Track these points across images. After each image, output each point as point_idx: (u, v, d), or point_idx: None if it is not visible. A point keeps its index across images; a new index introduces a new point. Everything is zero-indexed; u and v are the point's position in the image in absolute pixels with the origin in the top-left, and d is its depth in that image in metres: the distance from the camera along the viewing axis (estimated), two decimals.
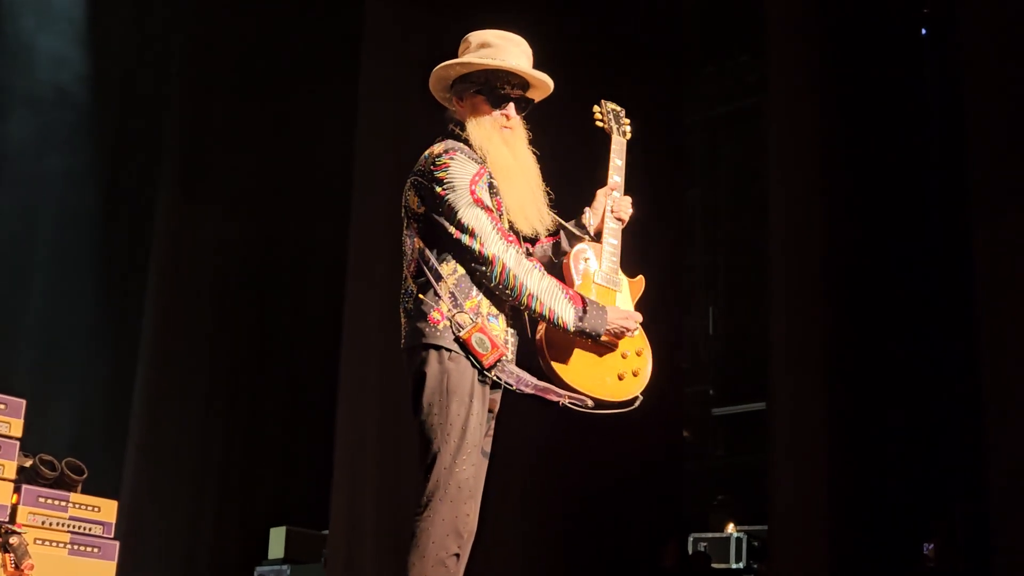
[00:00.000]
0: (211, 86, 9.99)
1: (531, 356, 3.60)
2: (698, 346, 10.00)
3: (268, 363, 9.91)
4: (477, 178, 3.49)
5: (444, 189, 3.48)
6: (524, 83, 3.68)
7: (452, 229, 3.47)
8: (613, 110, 4.03)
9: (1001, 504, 5.78)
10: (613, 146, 3.96)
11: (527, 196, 3.61)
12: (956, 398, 6.75)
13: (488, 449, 3.59)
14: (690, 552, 8.90)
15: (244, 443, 9.60)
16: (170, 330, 9.62)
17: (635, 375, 3.67)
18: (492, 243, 3.45)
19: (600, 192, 3.89)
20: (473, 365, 3.45)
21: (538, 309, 3.47)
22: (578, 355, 3.61)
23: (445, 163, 3.51)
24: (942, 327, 6.91)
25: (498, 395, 3.59)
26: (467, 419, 3.41)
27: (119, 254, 10.30)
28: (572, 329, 3.49)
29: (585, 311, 3.49)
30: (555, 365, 3.56)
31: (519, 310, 3.56)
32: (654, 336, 3.74)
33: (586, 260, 3.78)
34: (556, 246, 3.85)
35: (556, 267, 3.79)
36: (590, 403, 3.55)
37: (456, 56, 3.69)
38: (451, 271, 3.50)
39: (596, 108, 4.01)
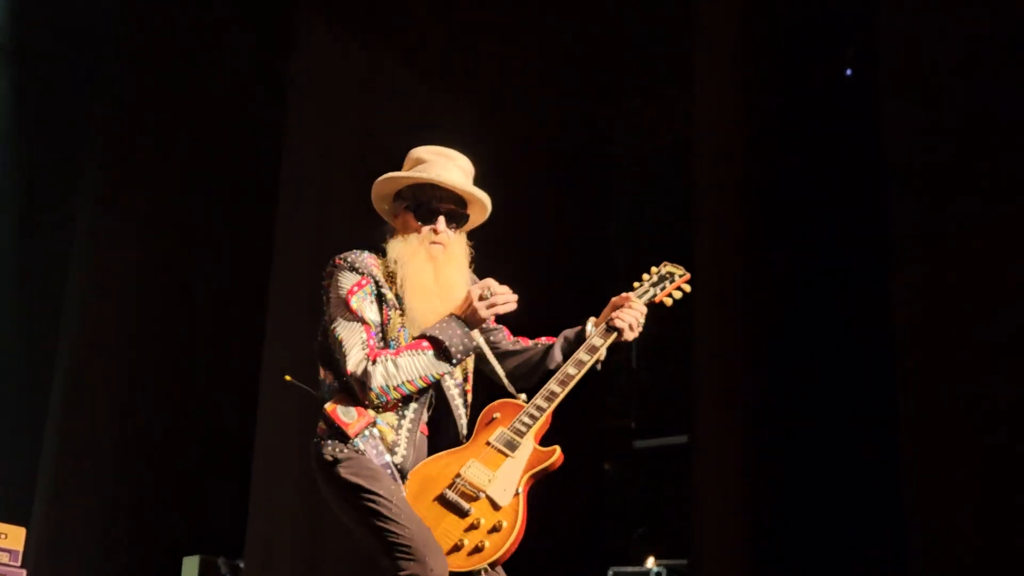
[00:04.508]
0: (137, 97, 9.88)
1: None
2: (620, 379, 10.00)
3: (185, 388, 9.75)
4: (356, 288, 3.41)
5: (326, 300, 3.48)
6: (459, 198, 3.54)
7: (330, 340, 3.44)
8: (669, 273, 3.82)
9: (920, 542, 5.84)
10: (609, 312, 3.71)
11: (436, 319, 3.44)
12: (876, 436, 6.81)
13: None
14: None
15: (159, 470, 9.44)
16: (85, 355, 9.43)
17: (477, 549, 3.23)
18: (351, 359, 3.34)
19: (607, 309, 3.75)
20: (341, 438, 3.36)
21: (417, 385, 3.34)
22: (423, 511, 3.27)
23: (330, 272, 3.50)
24: (863, 366, 6.98)
25: None
26: (377, 490, 3.30)
27: (35, 267, 10.08)
28: (451, 363, 3.36)
29: (438, 345, 3.34)
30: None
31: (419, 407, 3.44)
32: None
33: (490, 422, 3.46)
34: (548, 350, 3.68)
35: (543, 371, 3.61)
36: None
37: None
38: (332, 379, 3.49)
39: (652, 268, 3.79)
